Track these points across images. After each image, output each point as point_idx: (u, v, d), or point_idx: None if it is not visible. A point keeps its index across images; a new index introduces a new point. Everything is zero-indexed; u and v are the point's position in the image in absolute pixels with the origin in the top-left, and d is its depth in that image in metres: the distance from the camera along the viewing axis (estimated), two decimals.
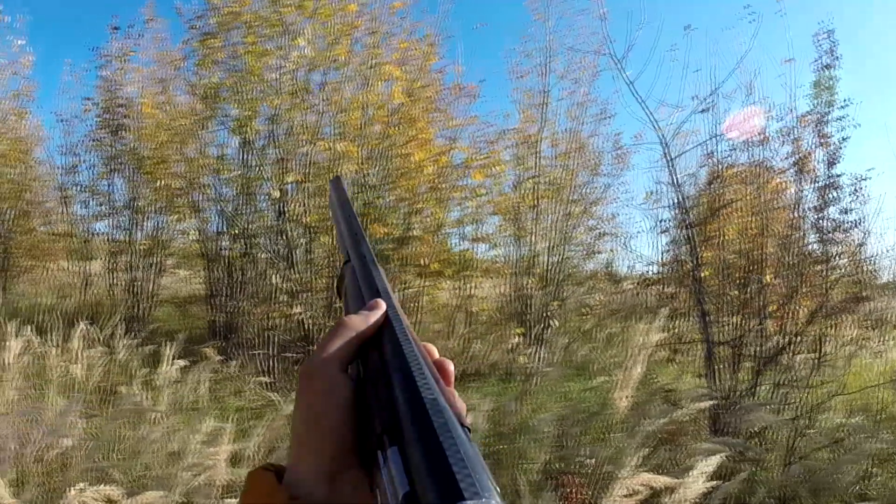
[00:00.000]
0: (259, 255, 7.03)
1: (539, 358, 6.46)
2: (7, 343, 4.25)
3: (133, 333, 5.75)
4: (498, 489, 0.28)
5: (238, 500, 0.41)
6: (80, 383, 4.45)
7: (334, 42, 7.19)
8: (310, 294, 6.43)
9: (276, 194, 6.82)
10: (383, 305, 0.45)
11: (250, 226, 7.01)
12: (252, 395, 5.06)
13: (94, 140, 8.05)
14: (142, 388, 4.28)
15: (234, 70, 7.31)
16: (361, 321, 0.44)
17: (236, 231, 7.04)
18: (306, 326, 6.28)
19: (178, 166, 7.55)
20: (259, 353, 6.14)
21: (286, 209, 6.75)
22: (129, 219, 7.84)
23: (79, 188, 8.22)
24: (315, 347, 0.42)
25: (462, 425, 0.33)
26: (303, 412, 0.40)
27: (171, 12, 8.72)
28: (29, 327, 4.77)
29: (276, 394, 4.72)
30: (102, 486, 2.54)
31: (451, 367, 0.44)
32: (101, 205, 8.01)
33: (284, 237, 6.71)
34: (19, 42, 8.53)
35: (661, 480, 2.78)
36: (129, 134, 7.82)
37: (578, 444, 3.95)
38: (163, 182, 7.39)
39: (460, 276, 7.64)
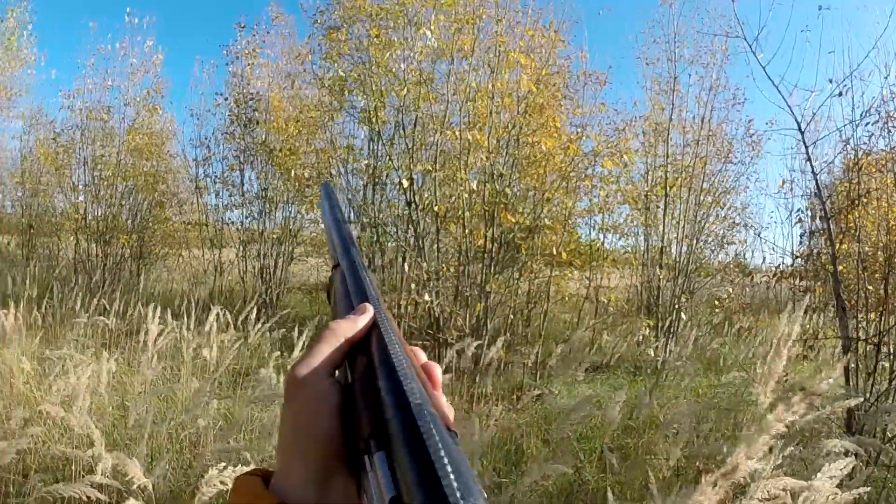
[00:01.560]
0: (388, 243, 7.47)
1: (668, 351, 6.59)
2: (145, 326, 4.61)
3: (264, 319, 6.17)
4: (484, 493, 0.29)
5: None
6: (213, 366, 4.75)
7: (459, 31, 7.48)
8: (438, 282, 6.73)
9: (406, 184, 7.14)
10: (371, 310, 0.47)
11: (379, 215, 7.48)
12: None
13: (225, 133, 8.68)
14: (275, 371, 4.45)
15: (359, 62, 7.77)
16: (349, 326, 0.45)
17: (365, 220, 7.44)
18: (435, 314, 6.55)
19: (308, 157, 8.10)
20: None
21: (415, 198, 7.09)
22: (261, 208, 8.40)
23: (211, 179, 8.92)
24: (305, 353, 0.44)
25: (449, 430, 0.34)
26: (291, 417, 0.41)
27: (295, 8, 9.29)
28: (165, 312, 5.15)
29: None
30: (240, 466, 2.63)
31: (438, 371, 0.46)
32: (232, 195, 8.62)
33: (413, 226, 7.09)
34: (150, 42, 9.22)
35: (792, 483, 2.66)
36: (260, 127, 8.36)
37: (712, 441, 3.94)
38: (293, 173, 7.89)
39: (589, 266, 7.76)
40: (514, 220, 6.89)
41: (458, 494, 0.27)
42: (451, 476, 0.28)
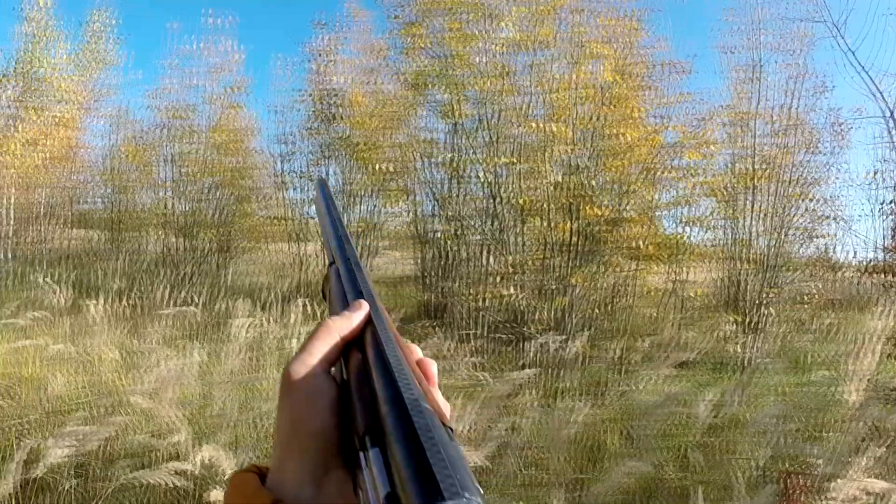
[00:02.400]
0: (470, 236, 7.68)
1: (754, 348, 6.61)
2: (231, 318, 4.92)
3: None
4: (480, 489, 0.29)
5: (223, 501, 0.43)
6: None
7: (539, 22, 7.69)
8: (521, 275, 6.91)
9: (487, 177, 7.33)
10: (366, 306, 0.48)
11: (461, 208, 7.72)
12: (463, 374, 5.23)
13: (307, 129, 9.03)
14: None
15: (439, 56, 8.08)
16: (344, 322, 0.46)
17: (448, 213, 7.66)
18: (518, 307, 6.73)
19: (390, 151, 8.42)
20: (470, 333, 6.58)
21: (498, 191, 7.31)
22: (343, 202, 8.71)
23: (294, 174, 9.25)
24: (300, 350, 0.45)
25: (444, 425, 0.35)
26: (286, 414, 0.42)
27: (373, 4, 9.62)
28: (250, 303, 5.50)
29: (486, 374, 4.92)
30: None
31: (433, 367, 0.47)
32: (315, 189, 8.98)
33: (496, 219, 7.32)
34: (230, 42, 9.67)
35: (882, 485, 2.75)
36: (342, 122, 8.68)
37: (798, 442, 3.93)
38: (375, 167, 8.19)
39: (673, 260, 7.81)
40: (596, 213, 6.99)
41: (454, 490, 0.28)
42: (447, 472, 0.29)
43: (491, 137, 7.59)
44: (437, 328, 6.58)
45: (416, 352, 0.48)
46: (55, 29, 11.16)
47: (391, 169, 8.24)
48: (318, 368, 0.43)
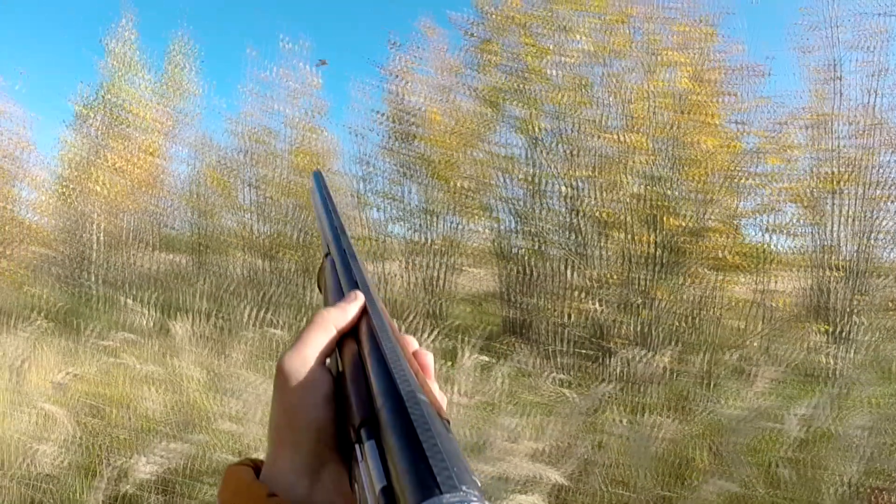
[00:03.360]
0: (552, 251, 7.91)
1: (843, 358, 6.65)
2: None
3: (429, 329, 6.56)
4: (478, 482, 0.30)
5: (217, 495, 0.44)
6: None
7: (612, 32, 7.93)
8: (604, 289, 7.11)
9: (567, 190, 7.55)
10: (361, 297, 0.50)
11: (542, 223, 8.00)
12: (547, 391, 5.31)
13: (386, 149, 9.47)
14: (441, 383, 4.90)
15: (514, 71, 8.39)
16: (339, 314, 0.48)
17: (528, 229, 8.01)
18: (601, 322, 6.91)
19: (468, 169, 8.79)
20: (554, 350, 6.78)
21: (578, 205, 7.56)
22: (424, 221, 9.13)
23: (374, 194, 9.74)
24: (295, 342, 0.46)
25: (441, 417, 0.35)
26: (281, 407, 0.43)
27: (446, 22, 10.02)
28: None
29: (571, 391, 5.00)
30: None
31: (430, 359, 0.49)
32: (396, 209, 9.40)
33: (576, 233, 7.56)
34: (306, 66, 10.22)
35: None
36: (419, 141, 9.09)
37: (891, 456, 3.87)
38: (454, 184, 8.62)
39: (757, 269, 7.81)
40: (678, 224, 7.12)
41: (451, 483, 0.28)
42: (444, 465, 0.29)
43: (569, 151, 7.83)
44: (520, 345, 6.69)
45: (413, 343, 0.50)
46: (137, 60, 11.94)
47: (470, 186, 8.60)
48: (314, 360, 0.44)
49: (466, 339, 5.65)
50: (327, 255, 0.63)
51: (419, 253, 9.25)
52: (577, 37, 8.01)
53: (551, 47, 8.10)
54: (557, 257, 7.83)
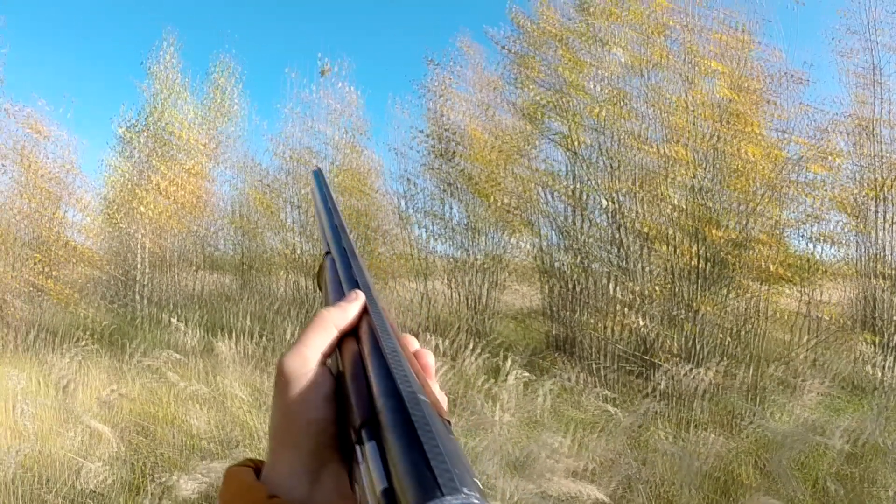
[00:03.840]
0: (595, 266, 8.01)
1: (892, 369, 6.68)
2: None
3: (473, 346, 6.65)
4: (479, 484, 0.30)
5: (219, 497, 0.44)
6: None
7: (649, 44, 8.00)
8: (648, 304, 7.17)
9: (609, 204, 7.65)
10: (362, 297, 0.50)
11: (585, 238, 8.11)
12: (591, 407, 5.41)
13: (427, 167, 9.71)
14: (484, 399, 4.74)
15: (553, 86, 8.51)
16: (340, 313, 0.48)
17: (571, 244, 8.14)
18: (645, 337, 6.98)
19: (510, 185, 8.92)
20: (598, 365, 6.91)
21: (620, 219, 7.66)
22: (466, 237, 9.31)
23: (417, 212, 9.97)
24: (295, 342, 0.46)
25: (442, 418, 0.36)
26: (281, 407, 0.44)
27: (483, 38, 10.23)
28: None
29: (615, 407, 5.06)
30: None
31: (431, 359, 0.50)
32: (438, 226, 9.62)
33: (620, 247, 7.64)
34: (347, 86, 10.57)
35: None
36: (461, 158, 9.30)
37: None
38: (496, 201, 8.74)
39: (803, 279, 7.73)
40: (721, 236, 7.09)
41: (452, 486, 0.29)
42: (445, 466, 0.30)
43: (611, 164, 7.92)
44: (564, 361, 6.85)
45: (414, 343, 0.50)
46: (181, 84, 12.36)
47: (512, 202, 8.75)
48: (314, 360, 0.45)
49: (510, 355, 5.70)
50: (328, 253, 0.63)
51: (462, 270, 9.42)
52: (615, 49, 8.08)
53: (589, 60, 8.19)
54: (601, 272, 7.90)
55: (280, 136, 11.18)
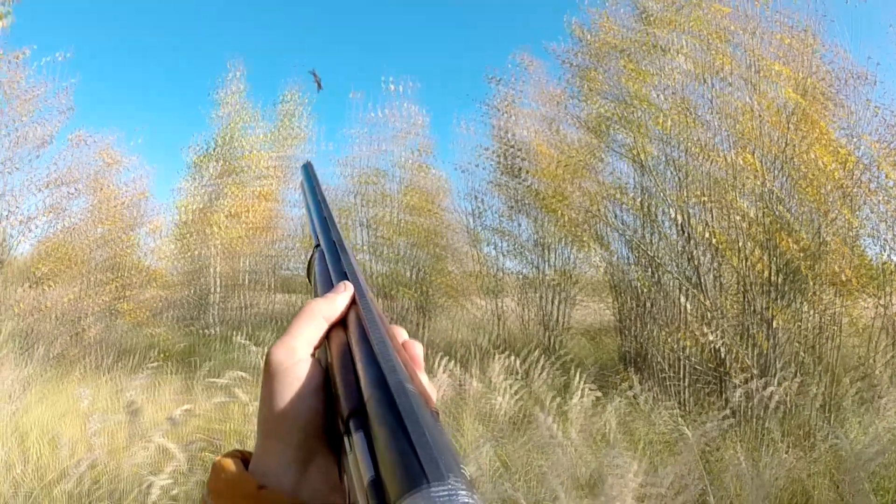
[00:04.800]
0: (666, 280, 8.20)
1: None
2: (432, 375, 5.24)
3: (546, 364, 6.89)
4: (466, 474, 0.31)
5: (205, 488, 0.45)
6: (496, 411, 5.21)
7: (711, 50, 8.09)
8: (720, 317, 7.19)
9: (679, 217, 7.83)
10: (350, 288, 0.51)
11: (655, 251, 8.31)
12: (663, 425, 5.39)
13: (495, 184, 10.08)
14: (553, 417, 4.61)
15: (617, 98, 8.76)
16: (328, 305, 0.49)
17: (642, 257, 8.38)
18: (719, 353, 6.94)
19: (578, 199, 9.18)
20: (670, 382, 7.05)
21: (690, 231, 7.80)
22: (537, 254, 9.64)
23: (486, 230, 10.35)
24: (284, 334, 0.47)
25: (430, 408, 0.37)
26: (270, 398, 0.44)
27: (544, 54, 10.56)
28: (448, 360, 5.90)
29: (688, 426, 4.88)
30: None
31: (419, 349, 0.50)
32: (508, 243, 9.98)
33: (690, 260, 7.79)
34: (412, 106, 11.14)
35: None
36: (527, 174, 9.63)
37: None
38: (565, 216, 9.02)
39: (882, 289, 7.55)
40: (795, 245, 7.06)
41: (438, 474, 0.29)
42: (431, 455, 0.30)
43: (679, 175, 8.09)
44: (635, 377, 6.75)
45: (402, 334, 0.52)
46: (249, 110, 13.00)
47: (581, 217, 9.00)
48: (302, 352, 0.46)
49: (581, 372, 5.75)
50: (317, 246, 0.64)
51: (533, 287, 9.72)
52: (678, 57, 8.20)
53: (652, 70, 8.38)
54: (672, 285, 8.06)
55: (347, 157, 11.66)
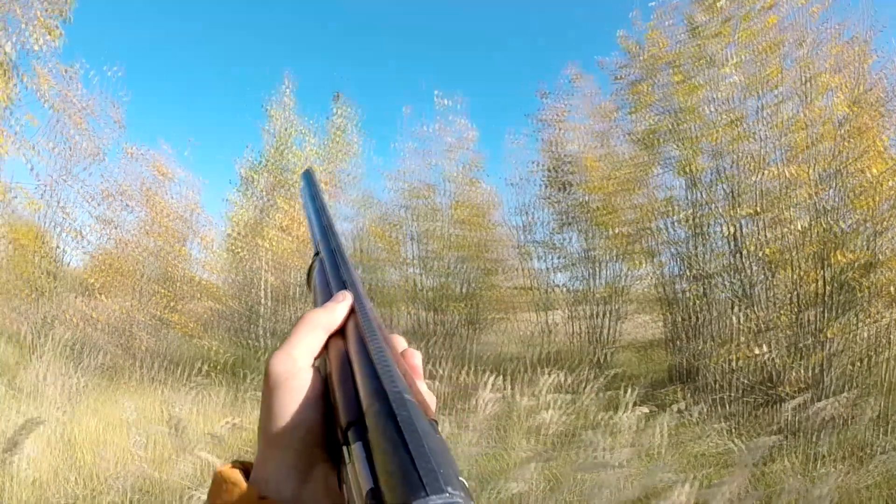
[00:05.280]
0: (717, 294, 8.27)
1: None
2: (479, 390, 5.45)
3: (595, 379, 6.90)
4: (465, 483, 0.31)
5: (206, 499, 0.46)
6: (544, 427, 5.21)
7: (763, 62, 8.22)
8: (772, 332, 7.29)
9: (730, 230, 7.93)
10: (349, 297, 0.51)
11: (706, 265, 8.38)
12: (713, 441, 5.43)
13: (545, 198, 10.26)
14: (602, 433, 4.75)
15: (667, 111, 8.90)
16: (327, 314, 0.49)
17: (692, 272, 8.45)
18: (769, 368, 7.05)
19: (628, 213, 9.33)
20: (721, 397, 6.98)
21: (742, 244, 7.91)
22: (587, 269, 9.80)
23: (536, 244, 10.51)
24: (284, 343, 0.48)
25: (429, 418, 0.37)
26: (270, 408, 0.45)
27: (594, 68, 10.73)
28: (497, 376, 5.98)
29: (738, 441, 5.02)
30: None
31: (418, 359, 0.51)
32: (558, 258, 10.14)
33: (742, 274, 7.88)
34: (462, 121, 11.44)
35: None
36: (577, 188, 9.78)
37: None
38: (615, 230, 9.18)
39: None
40: (847, 259, 7.07)
41: (437, 485, 0.29)
42: (430, 466, 0.30)
43: (730, 188, 8.20)
44: (685, 392, 6.94)
45: (402, 343, 0.52)
46: (299, 125, 13.31)
47: (631, 231, 9.14)
48: (302, 362, 0.46)
49: (629, 388, 5.76)
50: (317, 254, 0.64)
51: (583, 301, 9.86)
52: (728, 70, 8.34)
53: (703, 83, 8.50)
54: (723, 300, 8.13)
55: (397, 172, 11.87)
